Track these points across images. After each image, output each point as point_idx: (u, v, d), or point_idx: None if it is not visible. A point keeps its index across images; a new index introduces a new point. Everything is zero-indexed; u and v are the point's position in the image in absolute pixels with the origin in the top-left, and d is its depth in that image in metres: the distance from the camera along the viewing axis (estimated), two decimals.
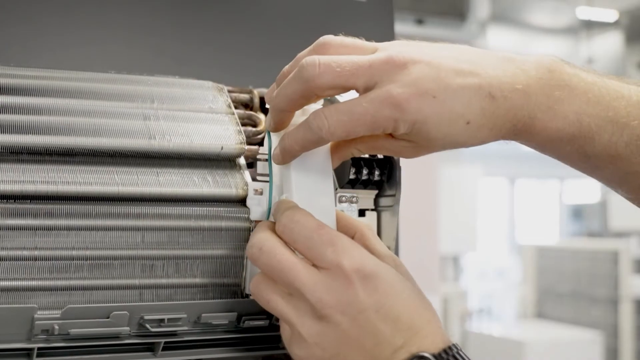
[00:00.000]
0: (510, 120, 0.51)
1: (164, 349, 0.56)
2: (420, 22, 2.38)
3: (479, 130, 0.51)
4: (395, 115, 0.50)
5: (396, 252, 0.87)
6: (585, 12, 2.94)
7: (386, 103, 0.50)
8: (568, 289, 4.70)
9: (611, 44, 3.04)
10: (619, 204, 4.63)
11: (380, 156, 0.64)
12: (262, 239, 0.53)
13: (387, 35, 0.99)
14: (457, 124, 0.50)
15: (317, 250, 0.50)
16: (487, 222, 6.48)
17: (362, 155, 0.61)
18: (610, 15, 2.98)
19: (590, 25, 2.96)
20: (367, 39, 0.98)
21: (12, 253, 0.52)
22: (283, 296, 0.51)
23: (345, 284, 0.49)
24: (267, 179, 0.59)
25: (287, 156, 0.55)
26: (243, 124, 0.63)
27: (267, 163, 0.59)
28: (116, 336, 0.54)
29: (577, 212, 7.12)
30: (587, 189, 7.20)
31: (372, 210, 0.66)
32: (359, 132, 0.51)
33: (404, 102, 0.49)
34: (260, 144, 0.63)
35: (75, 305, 0.53)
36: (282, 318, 0.52)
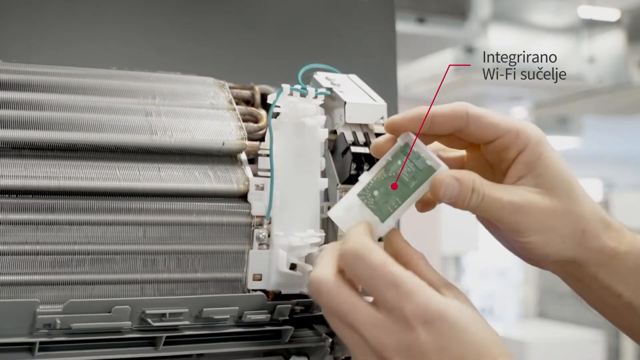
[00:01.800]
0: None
1: (165, 343, 0.56)
2: (421, 20, 2.38)
3: (584, 241, 0.55)
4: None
5: None
6: (586, 11, 2.93)
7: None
8: (569, 288, 4.69)
9: (613, 43, 3.03)
10: (621, 203, 4.63)
11: None
12: (320, 278, 0.51)
13: (388, 34, 0.99)
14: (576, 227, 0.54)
15: (379, 291, 0.49)
16: None
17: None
18: (612, 14, 2.98)
19: (591, 25, 2.96)
20: (369, 38, 0.98)
21: (14, 248, 0.52)
22: (348, 329, 0.50)
23: (406, 328, 0.48)
24: (268, 174, 0.59)
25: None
26: (244, 120, 0.64)
27: (268, 158, 0.59)
28: (118, 330, 0.54)
29: None
30: (589, 189, 7.20)
31: None
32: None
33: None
34: (262, 139, 0.63)
35: (77, 300, 0.53)
36: (348, 348, 0.51)
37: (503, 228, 0.55)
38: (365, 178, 0.56)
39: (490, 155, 0.56)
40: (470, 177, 0.53)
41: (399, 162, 0.55)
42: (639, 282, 0.56)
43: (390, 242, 0.54)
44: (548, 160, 0.54)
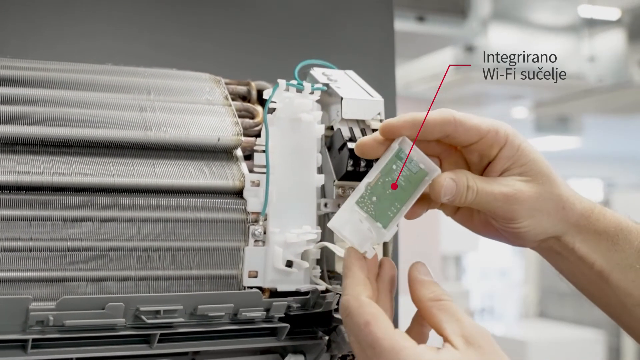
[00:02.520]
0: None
1: (160, 340, 0.55)
2: (421, 19, 2.37)
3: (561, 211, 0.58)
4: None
5: (397, 252, 0.86)
6: (587, 10, 2.93)
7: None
8: (570, 288, 4.68)
9: (613, 42, 3.02)
10: (622, 202, 4.62)
11: None
12: (344, 305, 0.53)
13: (387, 32, 0.99)
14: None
15: (363, 346, 0.51)
16: None
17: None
18: (612, 13, 2.97)
19: (592, 24, 2.95)
20: (367, 35, 0.98)
21: (6, 244, 0.52)
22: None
23: None
24: (264, 170, 0.59)
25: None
26: (240, 116, 0.63)
27: (264, 154, 0.59)
28: (112, 328, 0.54)
29: None
30: (590, 189, 7.19)
31: None
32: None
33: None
34: (258, 135, 0.62)
35: (70, 297, 0.52)
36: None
37: (497, 218, 0.58)
38: (362, 184, 0.56)
39: (472, 154, 0.58)
40: (464, 176, 0.56)
41: (394, 167, 0.55)
42: (607, 247, 0.60)
43: (411, 282, 0.55)
44: (526, 151, 0.57)
